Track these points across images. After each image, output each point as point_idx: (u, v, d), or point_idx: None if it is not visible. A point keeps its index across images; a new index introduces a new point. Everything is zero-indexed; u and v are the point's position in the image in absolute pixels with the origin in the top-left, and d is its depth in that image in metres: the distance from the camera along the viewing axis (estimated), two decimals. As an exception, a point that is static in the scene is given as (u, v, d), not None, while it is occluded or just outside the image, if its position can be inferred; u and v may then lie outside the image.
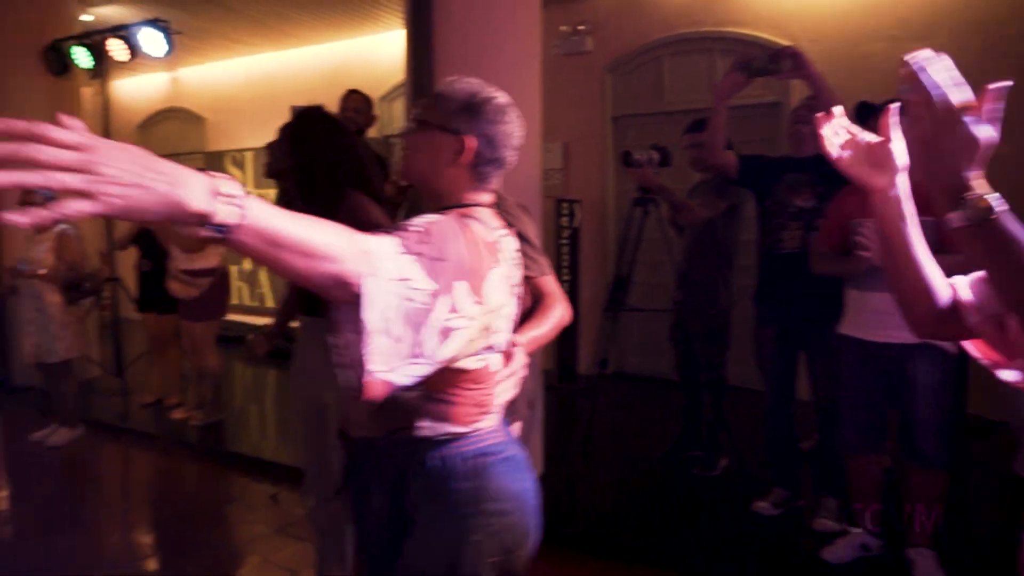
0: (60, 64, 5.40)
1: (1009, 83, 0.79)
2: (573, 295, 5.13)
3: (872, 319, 2.40)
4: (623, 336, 5.25)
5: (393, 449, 1.23)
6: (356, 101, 3.52)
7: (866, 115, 2.10)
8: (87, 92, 6.27)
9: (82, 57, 5.21)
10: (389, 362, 0.93)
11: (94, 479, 3.92)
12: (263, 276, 7.79)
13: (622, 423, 4.39)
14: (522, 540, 1.25)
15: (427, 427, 1.19)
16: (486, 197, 1.26)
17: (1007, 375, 1.01)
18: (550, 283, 1.52)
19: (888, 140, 1.00)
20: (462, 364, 1.16)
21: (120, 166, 0.69)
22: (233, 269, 6.48)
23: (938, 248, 1.17)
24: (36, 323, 4.08)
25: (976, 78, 0.81)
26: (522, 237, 1.51)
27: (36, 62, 5.42)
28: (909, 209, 1.03)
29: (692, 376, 3.58)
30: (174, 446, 4.28)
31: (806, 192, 2.74)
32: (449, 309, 1.00)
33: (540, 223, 2.42)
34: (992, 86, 0.79)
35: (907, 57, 0.81)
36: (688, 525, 2.99)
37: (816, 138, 1.08)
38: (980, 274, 1.00)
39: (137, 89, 8.73)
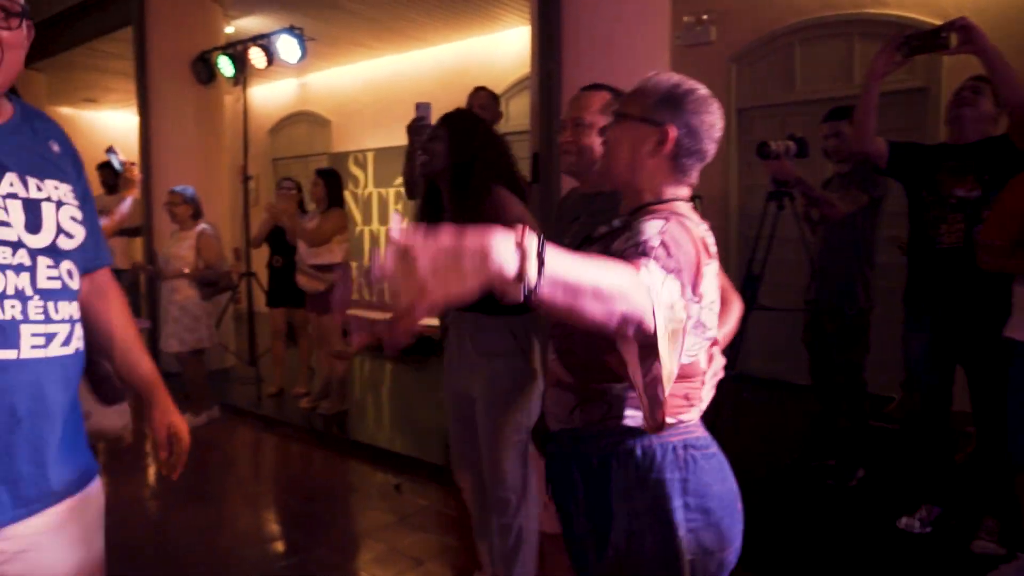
0: (207, 73, 5.82)
1: None
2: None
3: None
4: (748, 337, 5.02)
5: (596, 439, 1.23)
6: (483, 98, 3.57)
7: None
8: (228, 99, 6.72)
9: (226, 66, 5.58)
10: (669, 384, 0.98)
11: (228, 460, 4.18)
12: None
13: (747, 428, 4.19)
14: (723, 543, 1.20)
15: (633, 417, 1.19)
16: (685, 191, 1.25)
17: None
18: (722, 276, 1.48)
19: None
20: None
21: (437, 269, 0.72)
22: (354, 265, 6.74)
23: None
24: (173, 315, 4.39)
25: None
26: None
27: (186, 72, 5.87)
28: None
29: (827, 380, 3.36)
30: (302, 433, 4.50)
31: (969, 181, 2.49)
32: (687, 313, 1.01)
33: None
34: None
35: None
36: (822, 540, 2.79)
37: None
38: None
39: (269, 95, 9.29)
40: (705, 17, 5.30)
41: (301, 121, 9.16)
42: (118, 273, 1.61)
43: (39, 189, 1.16)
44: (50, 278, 1.15)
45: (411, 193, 2.78)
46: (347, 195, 8.34)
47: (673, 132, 1.19)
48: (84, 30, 6.87)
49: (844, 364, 3.23)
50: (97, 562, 1.26)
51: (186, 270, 4.30)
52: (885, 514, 2.88)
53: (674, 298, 0.96)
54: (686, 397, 1.20)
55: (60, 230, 1.18)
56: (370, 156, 8.19)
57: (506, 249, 0.74)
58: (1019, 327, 2.26)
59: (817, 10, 4.93)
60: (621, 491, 1.20)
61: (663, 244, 1.02)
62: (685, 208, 1.21)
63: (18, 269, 1.11)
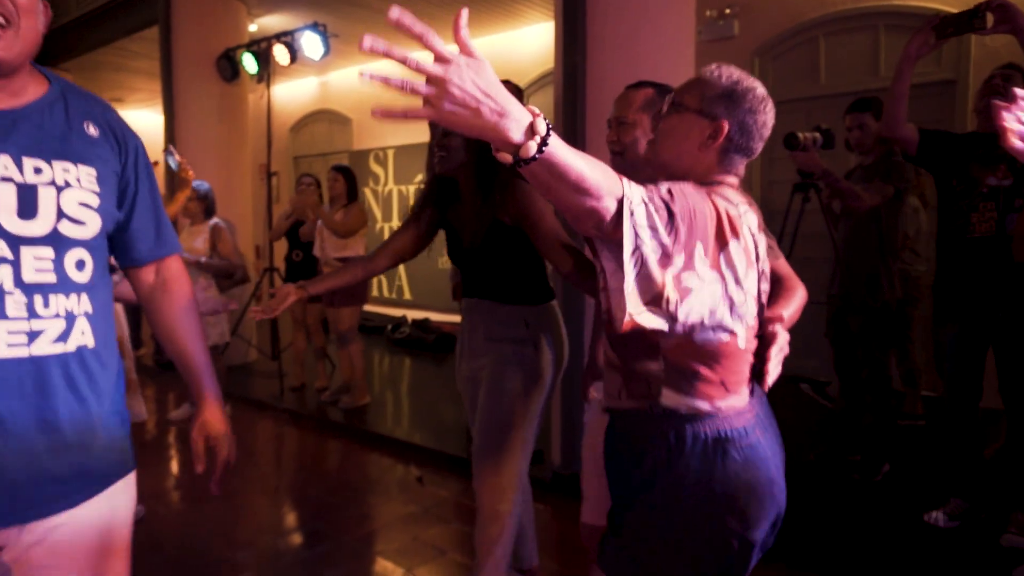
0: (231, 70, 5.88)
1: None
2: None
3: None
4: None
5: (640, 420, 1.24)
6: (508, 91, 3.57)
7: None
8: (252, 97, 6.78)
9: (250, 63, 5.64)
10: (635, 304, 1.00)
11: (251, 453, 4.21)
12: (401, 270, 8.10)
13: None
14: (746, 524, 1.19)
15: (670, 399, 1.20)
16: (732, 180, 1.26)
17: None
18: (786, 266, 1.48)
19: None
20: (707, 337, 1.14)
21: (465, 88, 0.77)
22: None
23: None
24: None
25: None
26: None
27: (211, 70, 5.94)
28: None
29: (852, 374, 3.33)
30: (324, 427, 4.53)
31: (1001, 169, 2.45)
32: (683, 266, 1.04)
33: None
34: None
35: None
36: (848, 534, 2.76)
37: None
38: None
39: (291, 94, 9.36)
40: (728, 11, 5.27)
41: (322, 119, 9.23)
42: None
43: (38, 172, 1.08)
44: (40, 270, 1.08)
45: None
46: (368, 192, 8.41)
47: (726, 127, 1.21)
48: (110, 30, 6.98)
49: (868, 358, 3.19)
50: (122, 553, 1.24)
51: (203, 259, 4.34)
52: (912, 508, 2.85)
53: (654, 225, 0.98)
54: (725, 382, 1.19)
55: (62, 215, 1.10)
56: (390, 153, 8.24)
57: (520, 120, 0.82)
58: (1052, 318, 2.23)
59: (841, 2, 4.89)
60: (655, 474, 1.20)
61: (668, 189, 1.03)
62: (728, 190, 1.21)
63: None
